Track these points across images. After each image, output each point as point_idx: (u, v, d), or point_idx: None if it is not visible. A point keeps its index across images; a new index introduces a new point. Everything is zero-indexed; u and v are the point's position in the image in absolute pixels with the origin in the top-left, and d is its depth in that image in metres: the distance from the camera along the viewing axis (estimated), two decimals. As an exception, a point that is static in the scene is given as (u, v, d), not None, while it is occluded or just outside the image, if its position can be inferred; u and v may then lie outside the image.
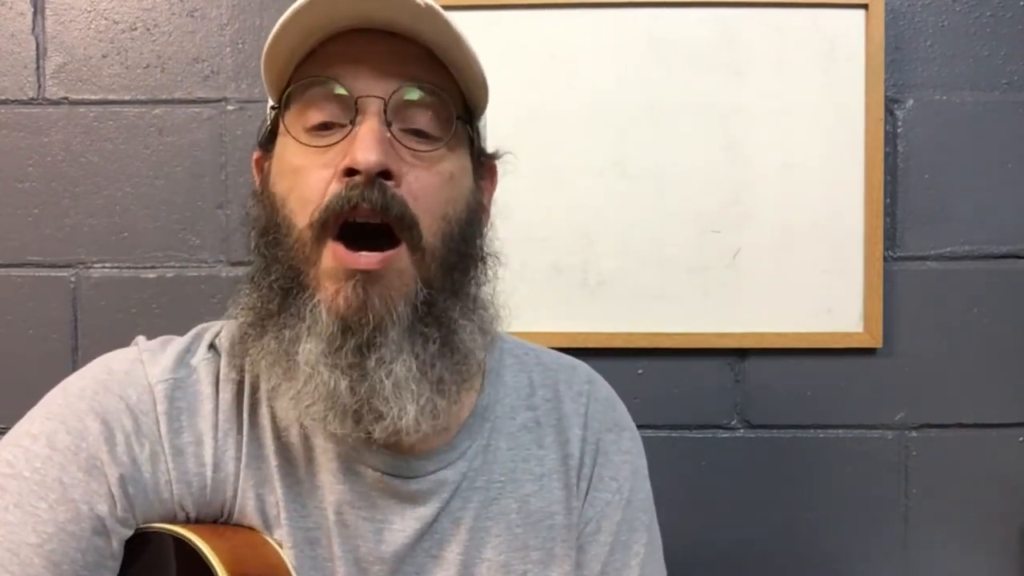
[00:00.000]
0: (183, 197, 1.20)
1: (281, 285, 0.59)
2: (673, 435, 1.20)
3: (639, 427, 1.18)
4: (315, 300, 0.58)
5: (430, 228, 0.59)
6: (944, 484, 1.20)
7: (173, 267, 1.20)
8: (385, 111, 0.58)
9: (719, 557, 1.20)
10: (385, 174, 0.57)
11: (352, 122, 0.58)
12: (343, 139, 0.58)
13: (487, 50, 1.16)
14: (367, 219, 0.57)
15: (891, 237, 1.19)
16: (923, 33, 1.19)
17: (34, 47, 1.21)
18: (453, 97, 0.62)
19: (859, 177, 1.18)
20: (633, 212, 1.18)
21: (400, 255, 0.58)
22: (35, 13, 1.20)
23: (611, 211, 1.18)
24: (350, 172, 0.56)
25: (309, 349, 0.57)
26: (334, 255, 0.57)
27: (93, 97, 1.21)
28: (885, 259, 1.18)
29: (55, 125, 1.21)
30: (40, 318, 1.20)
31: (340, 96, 0.58)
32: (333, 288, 0.57)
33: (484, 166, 0.68)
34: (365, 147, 0.56)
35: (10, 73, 1.21)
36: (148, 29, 1.21)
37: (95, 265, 1.21)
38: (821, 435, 1.20)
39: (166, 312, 1.20)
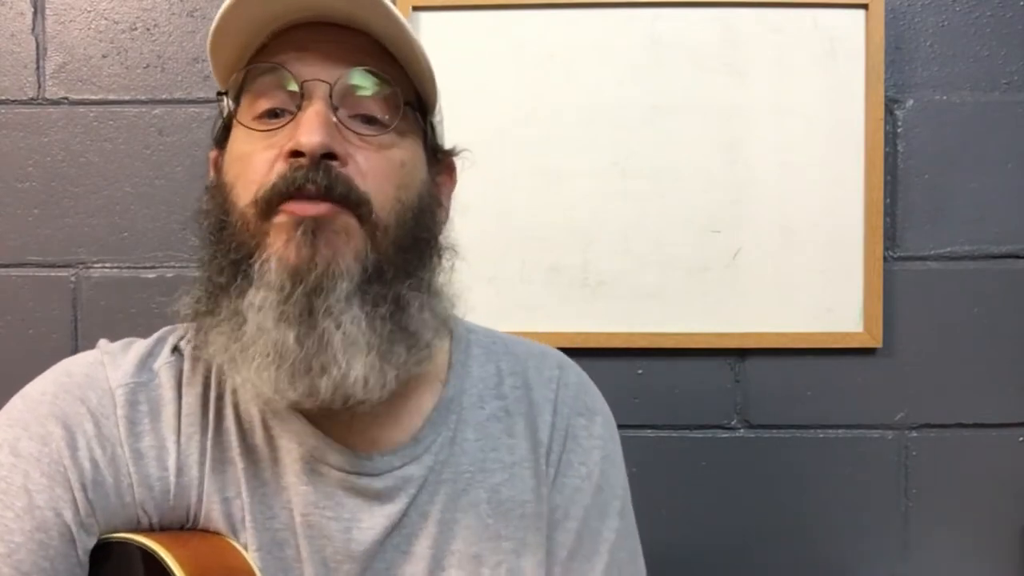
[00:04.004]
0: (183, 197, 1.20)
1: (231, 259, 0.59)
2: (673, 435, 1.20)
3: (639, 427, 1.19)
4: (264, 256, 0.57)
5: (383, 206, 0.59)
6: (944, 484, 1.19)
7: (173, 267, 1.21)
8: (331, 96, 0.58)
9: (719, 557, 1.20)
10: (330, 155, 0.57)
11: (299, 107, 0.59)
12: (289, 123, 0.59)
13: (488, 50, 1.17)
14: (311, 200, 0.57)
15: (891, 237, 1.19)
16: (923, 33, 1.19)
17: (34, 47, 1.21)
18: (403, 86, 0.62)
19: (859, 177, 1.17)
20: (633, 212, 1.18)
21: (351, 219, 0.58)
22: (35, 13, 1.21)
23: (611, 211, 1.18)
24: (295, 154, 0.57)
25: (259, 300, 0.57)
26: (286, 212, 0.57)
27: (93, 97, 1.21)
28: (885, 259, 1.18)
29: (55, 125, 1.21)
30: (40, 318, 1.20)
31: (287, 83, 0.59)
32: (283, 240, 0.57)
33: (441, 162, 0.68)
34: (309, 129, 0.56)
35: (10, 73, 1.21)
36: (148, 29, 1.21)
37: (95, 265, 1.21)
38: (821, 435, 1.20)
39: (166, 312, 1.20)
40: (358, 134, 0.60)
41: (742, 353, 1.19)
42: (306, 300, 0.56)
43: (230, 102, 0.63)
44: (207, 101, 1.21)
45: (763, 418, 1.20)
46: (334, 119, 0.58)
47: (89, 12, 1.21)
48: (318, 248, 0.57)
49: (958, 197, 1.19)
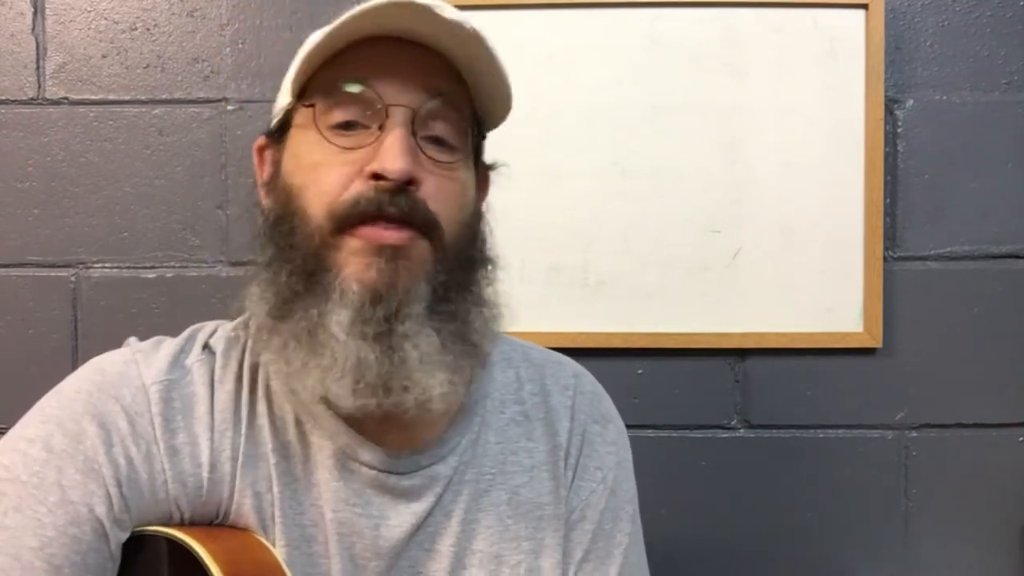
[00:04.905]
0: (183, 197, 1.20)
1: (304, 268, 0.61)
2: (673, 435, 1.20)
3: (639, 427, 1.19)
4: (344, 274, 0.59)
5: (449, 229, 0.62)
6: (944, 484, 1.20)
7: (173, 267, 1.21)
8: (413, 120, 0.60)
9: (719, 557, 1.20)
10: (410, 180, 0.59)
11: (380, 127, 0.60)
12: (369, 141, 0.60)
13: (487, 50, 1.17)
14: (391, 224, 0.59)
15: (891, 237, 1.19)
16: (923, 33, 1.19)
17: (34, 47, 1.21)
18: (468, 109, 0.65)
19: (859, 177, 1.18)
20: (633, 212, 1.18)
21: (425, 243, 0.61)
22: (35, 13, 1.21)
23: (611, 211, 1.18)
24: (378, 176, 0.59)
25: (339, 320, 0.58)
26: (363, 236, 0.59)
27: (93, 97, 1.21)
28: (885, 259, 1.18)
29: (55, 125, 1.21)
30: (40, 318, 1.20)
31: (368, 100, 0.60)
32: (363, 262, 0.59)
33: (479, 175, 0.70)
34: (395, 155, 0.58)
35: (10, 73, 1.21)
36: (148, 29, 1.21)
37: (95, 265, 1.21)
38: (821, 435, 1.20)
39: (166, 312, 1.20)
40: (433, 159, 0.62)
41: (742, 353, 1.19)
42: (385, 322, 0.59)
43: (294, 101, 0.64)
44: (207, 101, 1.21)
45: (763, 418, 1.20)
46: (413, 143, 0.60)
47: (89, 12, 1.21)
48: (398, 274, 0.59)
49: (958, 197, 1.19)
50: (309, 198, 0.61)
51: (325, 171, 0.61)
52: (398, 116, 0.60)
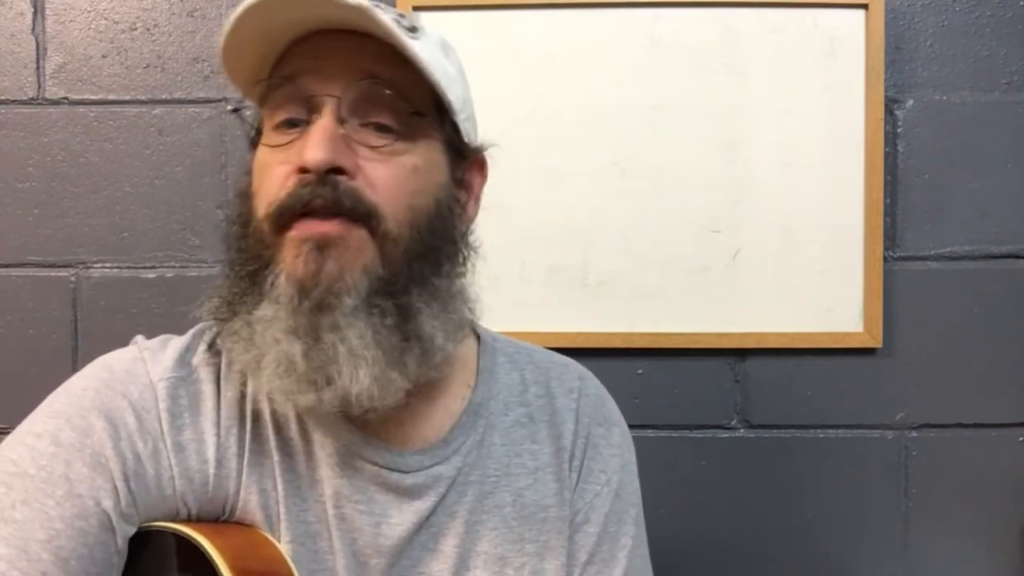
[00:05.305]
0: (183, 197, 1.20)
1: (248, 270, 0.61)
2: (673, 435, 1.20)
3: (639, 427, 1.18)
4: (277, 270, 0.59)
5: (395, 216, 0.60)
6: (944, 484, 1.20)
7: (173, 267, 1.21)
8: (339, 108, 0.59)
9: (719, 557, 1.20)
10: (337, 170, 0.58)
11: (309, 120, 0.60)
12: (300, 137, 0.60)
13: (488, 50, 1.17)
14: (322, 217, 0.58)
15: (891, 237, 1.19)
16: (923, 33, 1.19)
17: (34, 47, 1.21)
18: (417, 92, 0.62)
19: (859, 177, 1.18)
20: (633, 212, 1.18)
21: (361, 232, 0.59)
22: (35, 13, 1.21)
23: (611, 211, 1.18)
24: (303, 170, 0.58)
25: (268, 314, 0.59)
26: (296, 228, 0.59)
27: (93, 97, 1.21)
28: (885, 259, 1.18)
29: (55, 125, 1.21)
30: (40, 318, 1.20)
31: (297, 95, 0.60)
32: (293, 254, 0.59)
33: (467, 159, 0.68)
34: (313, 145, 0.58)
35: (10, 73, 1.21)
36: (148, 29, 1.21)
37: (95, 265, 1.21)
38: (821, 435, 1.20)
39: (166, 312, 1.20)
40: (368, 146, 0.60)
41: (742, 353, 1.19)
42: (312, 315, 0.58)
43: (257, 109, 0.64)
44: (207, 101, 1.21)
45: (763, 418, 1.20)
46: (342, 131, 0.59)
47: (89, 12, 1.21)
48: (323, 265, 0.58)
49: (958, 197, 1.19)
50: (258, 200, 0.61)
51: (269, 172, 0.61)
52: (324, 105, 0.59)
